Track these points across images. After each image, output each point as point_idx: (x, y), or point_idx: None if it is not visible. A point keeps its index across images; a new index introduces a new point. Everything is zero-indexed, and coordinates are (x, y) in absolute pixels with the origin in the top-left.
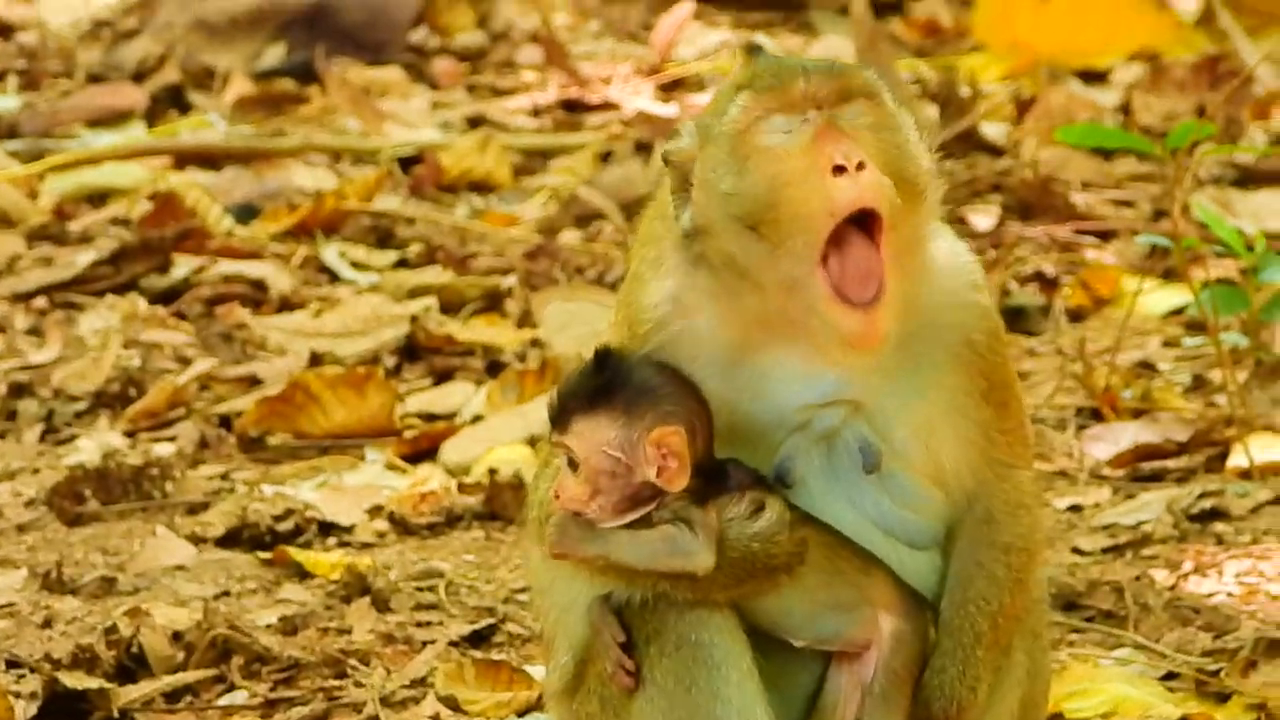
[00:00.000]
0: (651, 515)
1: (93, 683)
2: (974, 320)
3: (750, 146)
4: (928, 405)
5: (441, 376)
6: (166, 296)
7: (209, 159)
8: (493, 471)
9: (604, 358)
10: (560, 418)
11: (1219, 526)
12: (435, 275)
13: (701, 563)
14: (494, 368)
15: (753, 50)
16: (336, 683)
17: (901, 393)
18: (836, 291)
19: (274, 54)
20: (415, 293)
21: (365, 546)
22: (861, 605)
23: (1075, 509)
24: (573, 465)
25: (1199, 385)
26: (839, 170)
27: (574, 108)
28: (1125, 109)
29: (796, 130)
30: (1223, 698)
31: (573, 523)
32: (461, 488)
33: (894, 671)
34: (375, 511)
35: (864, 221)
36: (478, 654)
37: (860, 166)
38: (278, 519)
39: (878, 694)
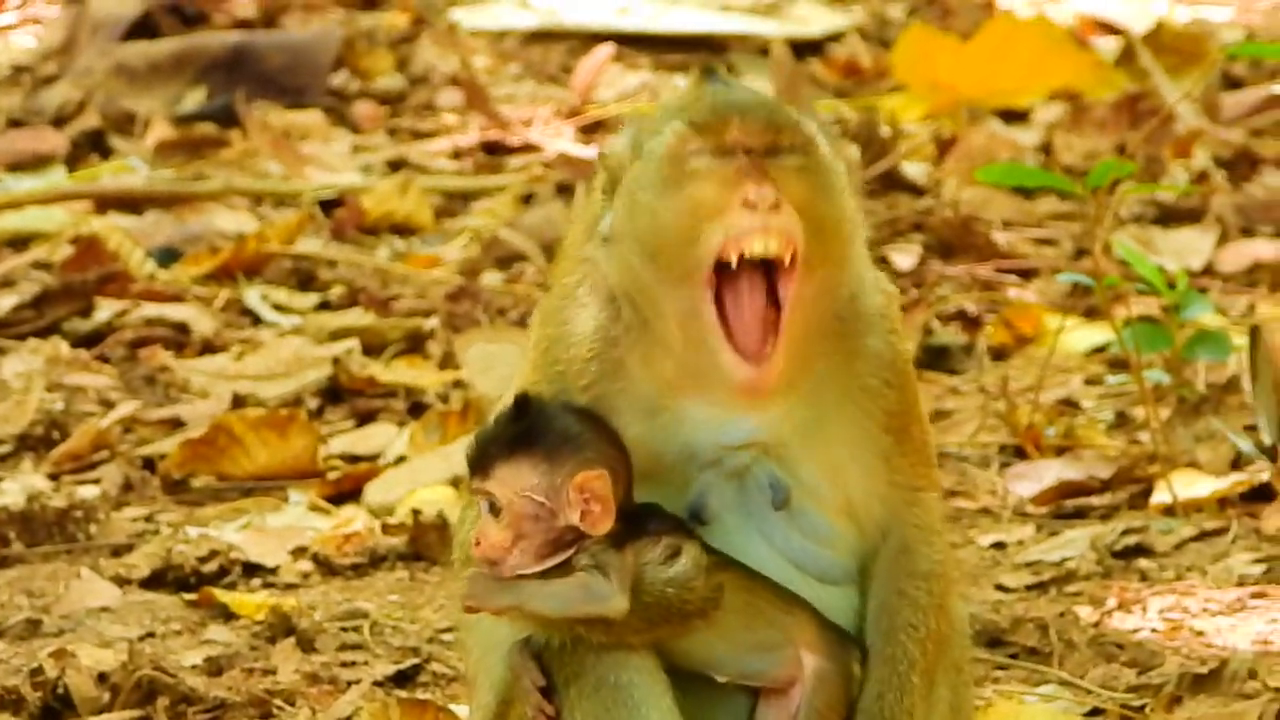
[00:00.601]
0: (571, 560)
1: None
2: (881, 360)
3: (673, 170)
4: (835, 445)
5: (364, 418)
6: (89, 340)
7: (130, 203)
8: (416, 512)
9: (523, 404)
10: (481, 464)
11: (1143, 563)
12: (357, 317)
13: (616, 607)
14: (417, 409)
15: (708, 74)
16: None
17: (810, 434)
18: (729, 338)
19: (194, 98)
20: (337, 335)
21: (290, 587)
22: (784, 645)
23: (999, 546)
24: (494, 511)
25: (1122, 423)
26: (750, 205)
27: (495, 150)
28: (1046, 148)
29: (721, 165)
30: None
31: (483, 577)
32: (385, 528)
33: (817, 710)
34: (299, 552)
35: (770, 272)
36: (403, 693)
37: (775, 207)
38: (202, 560)
39: None
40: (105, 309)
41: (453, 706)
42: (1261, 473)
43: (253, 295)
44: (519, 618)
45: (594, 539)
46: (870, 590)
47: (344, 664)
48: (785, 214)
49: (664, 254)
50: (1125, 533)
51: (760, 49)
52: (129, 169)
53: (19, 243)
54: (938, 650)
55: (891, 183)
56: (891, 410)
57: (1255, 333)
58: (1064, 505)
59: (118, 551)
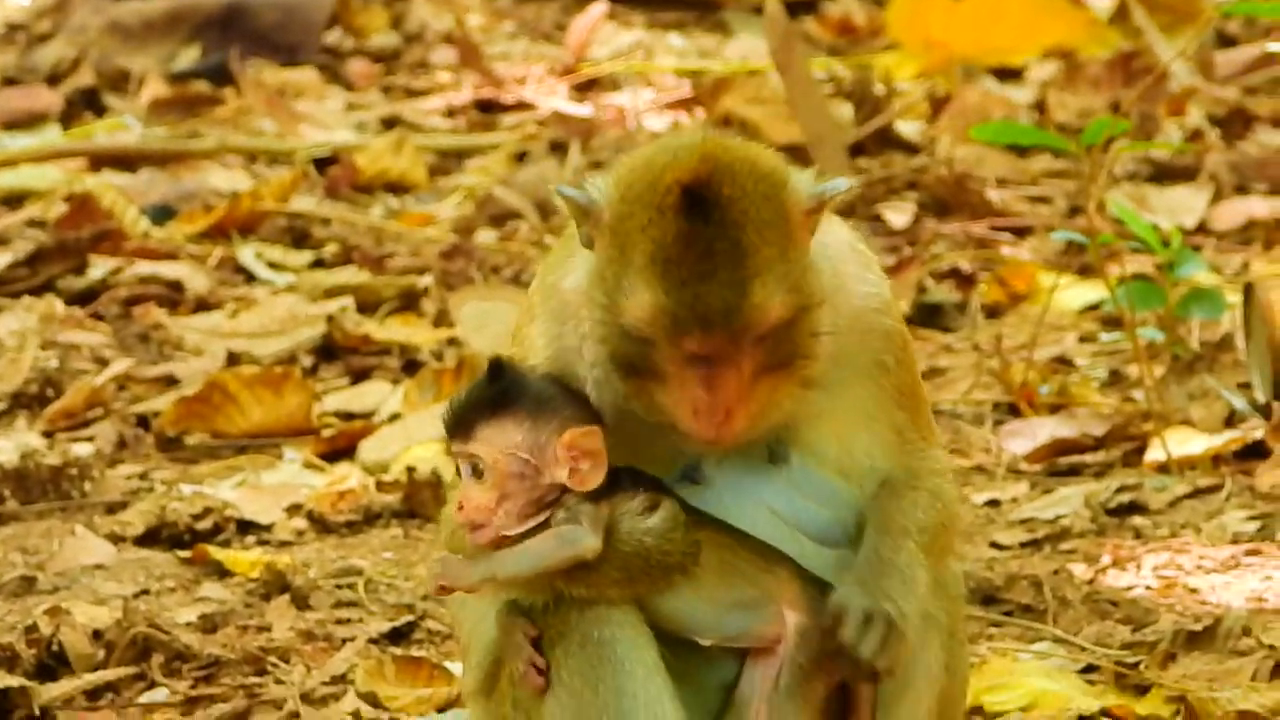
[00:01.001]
0: (550, 519)
1: (13, 681)
2: (883, 343)
3: (636, 336)
4: (839, 416)
5: (358, 376)
6: (83, 298)
7: (125, 161)
8: (410, 470)
9: (498, 367)
10: (462, 426)
11: (1137, 520)
12: (351, 275)
13: (589, 546)
14: (411, 367)
15: (689, 201)
16: (257, 680)
17: (812, 406)
18: (690, 409)
19: (188, 56)
20: (332, 292)
21: (284, 545)
22: (764, 603)
23: (993, 504)
24: (478, 473)
25: (1116, 380)
26: (702, 414)
27: (488, 108)
28: (1040, 106)
29: (681, 366)
30: (1142, 690)
31: (452, 558)
32: (380, 486)
33: (799, 667)
34: (294, 510)
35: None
36: (397, 651)
37: (727, 418)
38: (196, 518)
39: (784, 690)
40: (99, 267)
41: (447, 664)
42: (1255, 430)
43: (247, 253)
44: (496, 588)
45: (571, 495)
46: (868, 509)
47: (338, 621)
48: (737, 418)
49: (624, 376)
50: (1119, 490)
51: (754, 7)
52: (123, 127)
53: (13, 201)
54: (938, 557)
55: (886, 141)
56: (903, 390)
57: (1249, 290)
58: (1058, 463)
59: (112, 509)
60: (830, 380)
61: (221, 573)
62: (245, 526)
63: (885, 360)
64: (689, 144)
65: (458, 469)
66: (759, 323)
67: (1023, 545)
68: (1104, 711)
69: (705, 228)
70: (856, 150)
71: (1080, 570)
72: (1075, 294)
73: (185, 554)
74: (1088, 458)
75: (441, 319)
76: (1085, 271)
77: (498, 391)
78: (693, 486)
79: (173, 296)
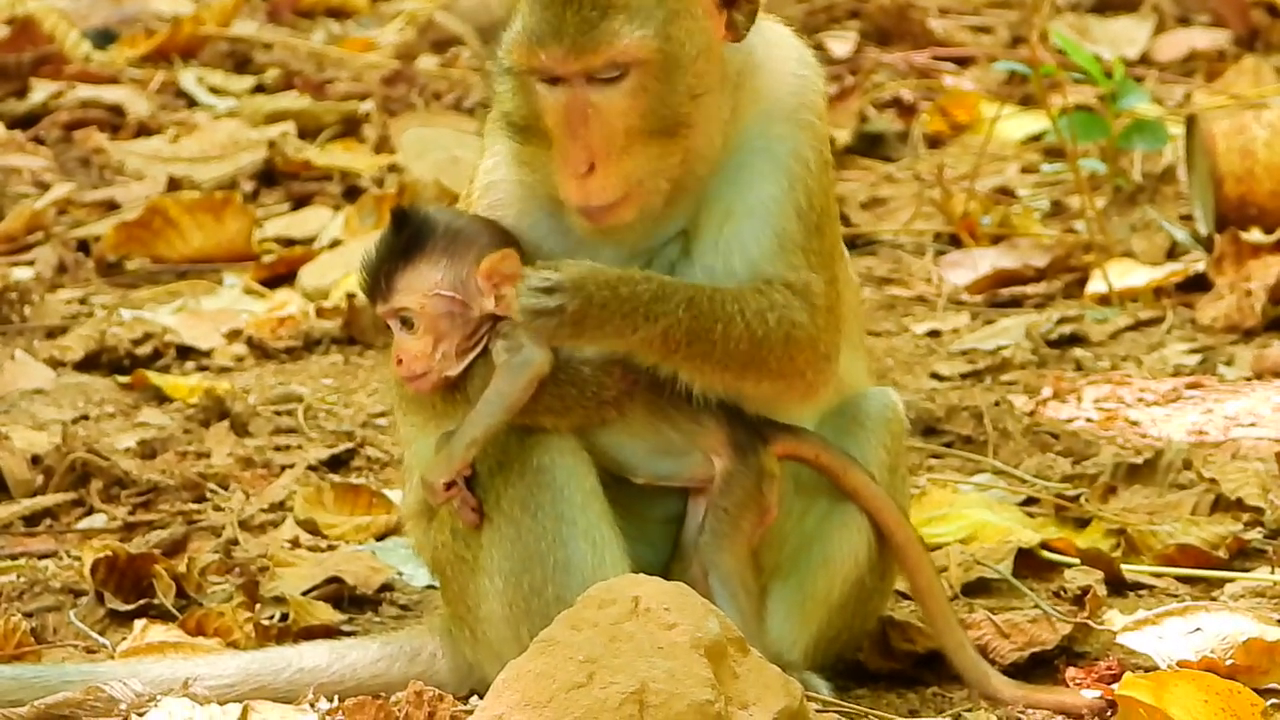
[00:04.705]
0: (487, 347)
1: None
2: (807, 136)
3: (520, 81)
4: (742, 214)
5: (299, 201)
6: (24, 121)
7: None
8: (351, 296)
9: (400, 216)
10: (381, 284)
11: (1078, 352)
12: (293, 100)
13: (541, 362)
14: (352, 193)
15: None
16: (195, 506)
17: (725, 205)
18: (564, 164)
19: None
20: (273, 118)
21: (224, 370)
22: (690, 450)
23: (934, 334)
24: (408, 325)
25: (1058, 211)
26: (569, 164)
27: None
28: None
29: (553, 95)
30: (1082, 523)
31: (431, 465)
32: (320, 312)
33: (725, 510)
34: (234, 335)
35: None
36: (336, 478)
37: (589, 170)
38: (136, 343)
39: (709, 530)
40: (40, 90)
41: (386, 491)
42: (1197, 262)
43: (188, 78)
44: (482, 446)
45: (505, 322)
46: None
47: (277, 448)
48: (605, 174)
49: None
50: (1060, 322)
51: None
52: None
53: None
54: (714, 360)
55: None
56: (812, 201)
57: (1191, 122)
58: (999, 294)
59: (52, 334)
60: (746, 175)
61: (161, 398)
62: (185, 352)
63: (805, 154)
64: None
65: (389, 328)
66: (612, 48)
67: (963, 376)
68: (1044, 544)
69: None
70: None
71: (1021, 402)
72: (1017, 124)
73: (124, 379)
74: (1029, 289)
75: (383, 145)
76: (1027, 102)
77: (405, 240)
78: None
79: (114, 121)
